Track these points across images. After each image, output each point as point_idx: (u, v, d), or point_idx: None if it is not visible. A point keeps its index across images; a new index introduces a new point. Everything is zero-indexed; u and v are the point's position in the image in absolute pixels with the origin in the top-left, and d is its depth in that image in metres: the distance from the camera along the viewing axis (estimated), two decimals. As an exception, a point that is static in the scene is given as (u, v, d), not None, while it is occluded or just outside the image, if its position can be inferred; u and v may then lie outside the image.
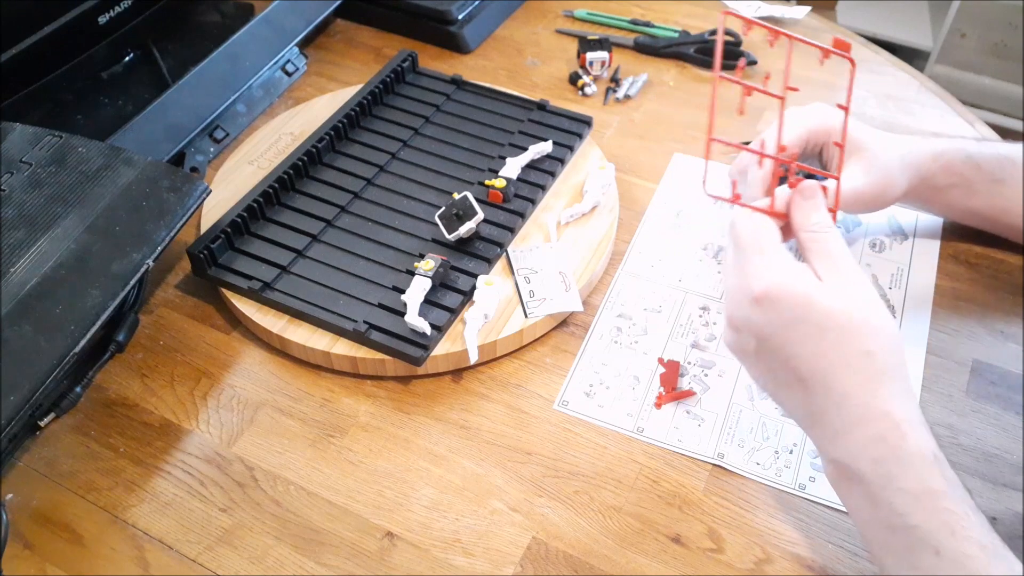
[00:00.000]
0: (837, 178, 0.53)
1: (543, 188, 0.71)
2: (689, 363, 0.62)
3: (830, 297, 0.46)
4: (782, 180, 0.52)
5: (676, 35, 0.90)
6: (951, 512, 0.42)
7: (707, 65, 0.88)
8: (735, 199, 0.51)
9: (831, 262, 0.47)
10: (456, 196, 0.65)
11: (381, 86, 0.79)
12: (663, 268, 0.68)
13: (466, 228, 0.65)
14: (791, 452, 0.56)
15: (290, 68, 0.87)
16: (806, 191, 0.50)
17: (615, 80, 0.86)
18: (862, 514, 0.46)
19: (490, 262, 0.65)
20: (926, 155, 0.63)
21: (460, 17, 0.90)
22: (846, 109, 0.51)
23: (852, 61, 0.49)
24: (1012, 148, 0.64)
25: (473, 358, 0.59)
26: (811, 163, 0.64)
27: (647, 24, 0.92)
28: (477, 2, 0.92)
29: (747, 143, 0.55)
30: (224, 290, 0.65)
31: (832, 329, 0.45)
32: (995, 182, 0.63)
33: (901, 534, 0.43)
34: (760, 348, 0.47)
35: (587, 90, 0.85)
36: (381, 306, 0.62)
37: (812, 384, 0.46)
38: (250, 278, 0.64)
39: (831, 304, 0.45)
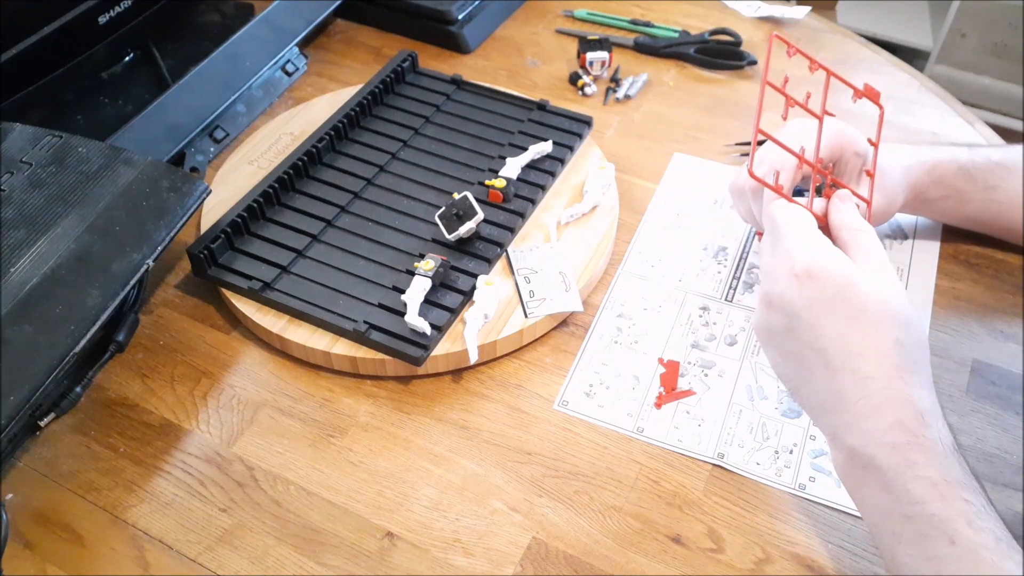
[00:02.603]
0: (868, 202, 0.56)
1: (543, 188, 0.71)
2: (689, 363, 0.62)
3: (868, 284, 0.47)
4: (817, 192, 0.54)
5: (676, 35, 0.90)
6: (968, 503, 0.42)
7: (707, 65, 0.88)
8: (778, 188, 0.52)
9: (870, 257, 0.48)
10: (456, 196, 0.65)
11: (381, 86, 0.79)
12: (663, 268, 0.68)
13: (466, 228, 0.64)
14: (791, 452, 0.56)
15: (290, 68, 0.87)
16: (844, 196, 0.53)
17: (615, 80, 0.86)
18: (874, 503, 0.45)
19: (490, 262, 0.65)
20: (922, 169, 0.63)
21: (460, 17, 0.90)
22: (875, 145, 0.57)
23: (881, 107, 0.56)
24: (1004, 153, 0.64)
25: (473, 358, 0.59)
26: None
27: (647, 24, 0.92)
28: (477, 2, 0.92)
29: (762, 141, 0.57)
30: (224, 290, 0.65)
31: (867, 312, 0.46)
32: (988, 189, 0.64)
33: (916, 522, 0.43)
34: (790, 326, 0.48)
35: (587, 90, 0.85)
36: (381, 306, 0.62)
37: (838, 365, 0.46)
38: (250, 278, 0.64)
39: (869, 290, 0.46)
